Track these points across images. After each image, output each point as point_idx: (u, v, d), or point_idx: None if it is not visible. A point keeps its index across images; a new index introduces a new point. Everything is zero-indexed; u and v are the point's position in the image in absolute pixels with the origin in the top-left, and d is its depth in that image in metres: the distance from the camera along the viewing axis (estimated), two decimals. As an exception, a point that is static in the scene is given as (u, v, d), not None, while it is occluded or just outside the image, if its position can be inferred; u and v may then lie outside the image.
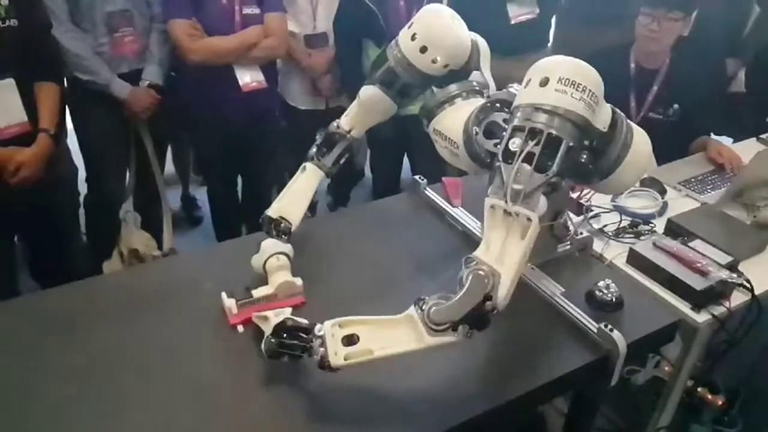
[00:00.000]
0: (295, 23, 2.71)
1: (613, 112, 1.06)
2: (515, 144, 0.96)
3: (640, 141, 1.10)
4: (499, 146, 0.99)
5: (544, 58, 1.02)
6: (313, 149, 1.39)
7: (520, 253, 0.94)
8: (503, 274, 0.92)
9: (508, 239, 0.95)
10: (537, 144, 0.94)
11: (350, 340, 0.95)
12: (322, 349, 0.94)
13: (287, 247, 1.27)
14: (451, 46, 1.24)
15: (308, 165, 1.38)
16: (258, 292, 1.19)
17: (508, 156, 0.96)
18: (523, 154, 0.94)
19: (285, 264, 1.24)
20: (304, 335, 0.98)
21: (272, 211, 1.32)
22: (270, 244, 1.26)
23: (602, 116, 1.02)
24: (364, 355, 0.94)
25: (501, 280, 0.92)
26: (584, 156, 1.01)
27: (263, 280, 1.23)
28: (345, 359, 0.94)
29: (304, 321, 1.01)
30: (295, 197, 1.36)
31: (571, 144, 0.96)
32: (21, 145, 1.89)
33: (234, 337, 1.14)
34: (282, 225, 1.30)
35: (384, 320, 0.97)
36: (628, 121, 1.09)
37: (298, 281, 1.22)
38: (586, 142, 1.00)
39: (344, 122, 1.39)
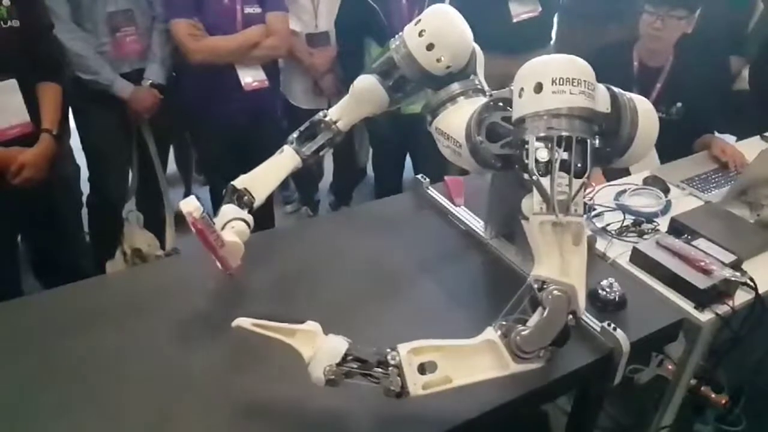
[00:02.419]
0: (297, 22, 2.71)
1: (608, 89, 1.07)
2: (541, 154, 0.95)
3: (643, 107, 1.10)
4: (527, 161, 0.96)
5: (526, 65, 1.01)
6: (295, 134, 1.35)
7: (583, 259, 0.95)
8: (576, 285, 0.92)
9: (564, 250, 0.95)
10: (567, 150, 0.94)
11: (422, 366, 0.90)
12: (398, 378, 0.89)
13: (248, 216, 1.24)
14: (457, 48, 1.24)
15: (286, 148, 1.35)
16: (217, 225, 1.17)
17: (540, 168, 0.95)
18: (557, 164, 0.94)
19: (245, 231, 1.22)
20: (363, 362, 0.91)
21: (238, 182, 1.29)
22: (232, 209, 1.24)
23: (601, 98, 1.03)
24: (443, 384, 0.90)
25: (576, 291, 0.92)
26: (597, 141, 1.01)
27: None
28: (423, 388, 0.89)
29: (345, 341, 0.92)
30: (264, 175, 1.32)
31: (594, 142, 0.97)
32: (23, 145, 1.89)
33: (238, 337, 1.13)
34: (245, 198, 1.27)
35: (460, 346, 0.93)
36: (625, 92, 1.09)
37: (239, 261, 1.19)
38: (596, 128, 1.00)
39: (332, 112, 1.36)
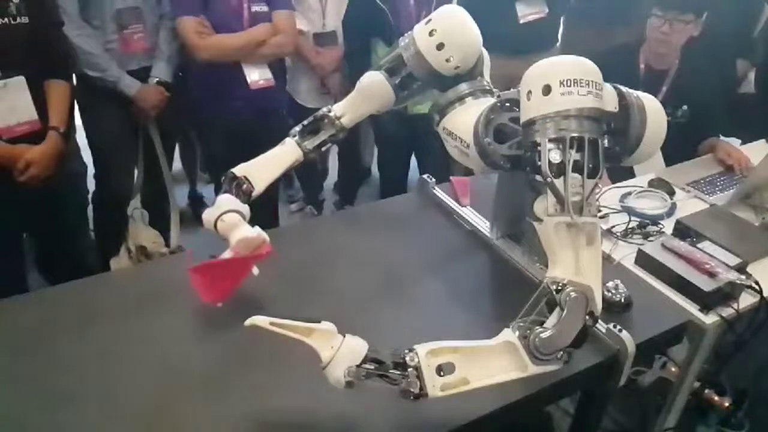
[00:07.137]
0: (305, 21, 2.72)
1: (615, 88, 1.07)
2: (554, 156, 0.95)
3: (651, 105, 1.10)
4: (540, 163, 0.96)
5: (533, 67, 1.01)
6: (297, 128, 1.33)
7: (599, 258, 0.96)
8: (592, 285, 0.93)
9: (579, 250, 0.95)
10: (579, 151, 0.94)
11: (439, 368, 0.90)
12: (416, 380, 0.88)
13: (244, 208, 1.21)
14: (466, 48, 1.24)
15: (288, 140, 1.33)
16: (211, 216, 1.16)
17: (553, 170, 0.95)
18: (570, 165, 0.94)
19: (238, 221, 1.18)
20: (380, 363, 0.90)
21: (238, 170, 1.26)
22: (226, 200, 1.20)
23: (608, 97, 1.03)
24: (461, 385, 0.90)
25: (593, 291, 0.93)
26: (607, 140, 1.02)
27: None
28: (441, 390, 0.89)
29: (364, 342, 0.91)
30: (265, 165, 1.30)
31: (604, 142, 0.97)
32: (31, 143, 1.89)
33: (242, 335, 1.14)
34: (244, 186, 1.24)
35: (478, 347, 0.92)
36: (632, 91, 1.10)
37: (256, 231, 1.15)
38: (605, 127, 1.01)
39: (337, 107, 1.34)
